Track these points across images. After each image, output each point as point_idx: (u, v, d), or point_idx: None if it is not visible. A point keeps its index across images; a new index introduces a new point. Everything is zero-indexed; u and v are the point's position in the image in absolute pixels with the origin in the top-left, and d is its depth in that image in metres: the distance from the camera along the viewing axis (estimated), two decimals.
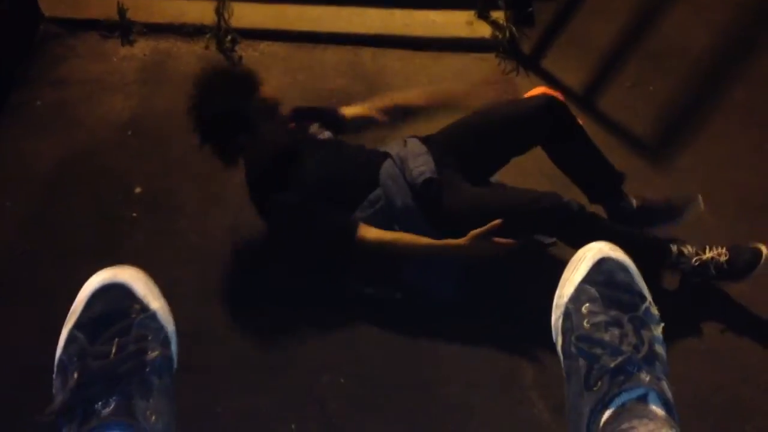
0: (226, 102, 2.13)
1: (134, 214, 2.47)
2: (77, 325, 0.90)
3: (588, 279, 0.92)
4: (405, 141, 2.26)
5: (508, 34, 2.98)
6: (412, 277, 2.20)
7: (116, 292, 0.92)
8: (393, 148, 2.25)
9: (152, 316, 0.92)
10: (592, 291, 0.91)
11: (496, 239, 2.04)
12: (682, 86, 2.80)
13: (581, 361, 0.87)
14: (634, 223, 2.23)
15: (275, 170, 2.21)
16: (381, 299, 2.22)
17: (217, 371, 2.09)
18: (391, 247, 2.10)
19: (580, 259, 0.95)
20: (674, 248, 2.14)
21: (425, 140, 2.27)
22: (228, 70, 2.09)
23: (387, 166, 2.19)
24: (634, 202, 2.26)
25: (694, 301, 2.21)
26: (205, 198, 2.54)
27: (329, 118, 2.40)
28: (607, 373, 0.84)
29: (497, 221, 2.03)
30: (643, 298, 0.92)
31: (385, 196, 2.15)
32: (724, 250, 2.14)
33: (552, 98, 2.26)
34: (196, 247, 2.39)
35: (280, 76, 2.93)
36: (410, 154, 2.19)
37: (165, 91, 2.88)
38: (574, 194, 2.20)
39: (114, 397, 0.83)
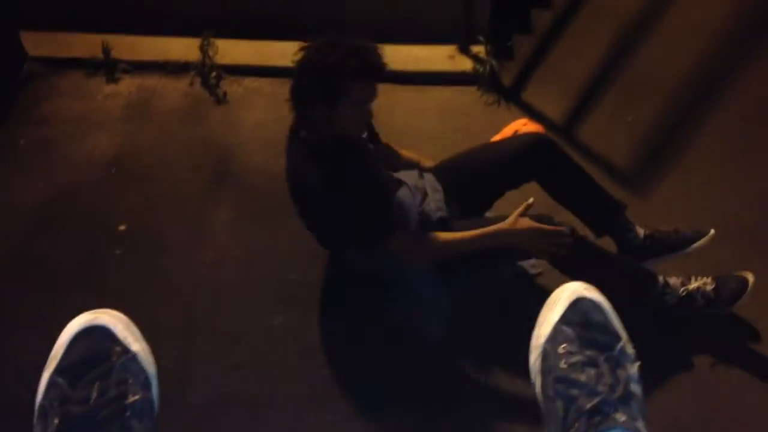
0: (338, 63, 1.94)
1: (118, 252, 2.47)
2: (58, 370, 0.90)
3: (564, 319, 0.93)
4: (421, 173, 2.27)
5: (488, 67, 3.03)
6: (400, 317, 2.21)
7: (96, 334, 0.91)
8: (408, 177, 2.23)
9: (133, 358, 0.91)
10: (569, 331, 0.92)
11: (545, 226, 2.02)
12: (659, 116, 2.85)
13: (559, 403, 0.88)
14: (642, 254, 2.23)
15: (334, 154, 2.06)
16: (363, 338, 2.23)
17: (201, 409, 2.08)
18: (432, 249, 2.05)
19: (556, 300, 0.96)
20: (660, 279, 2.15)
21: (436, 175, 2.29)
22: (365, 55, 1.95)
23: (402, 194, 2.17)
24: (642, 233, 2.25)
25: (676, 332, 2.22)
26: (189, 235, 2.54)
27: (387, 149, 2.35)
28: (583, 414, 0.85)
29: (529, 201, 2.03)
30: (619, 338, 0.93)
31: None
32: (709, 280, 2.16)
33: (540, 137, 2.28)
34: (181, 284, 2.39)
35: (265, 112, 2.96)
36: (429, 189, 2.21)
37: (150, 128, 2.90)
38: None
39: None
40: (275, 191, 2.66)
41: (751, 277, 2.15)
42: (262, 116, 2.94)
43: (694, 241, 2.23)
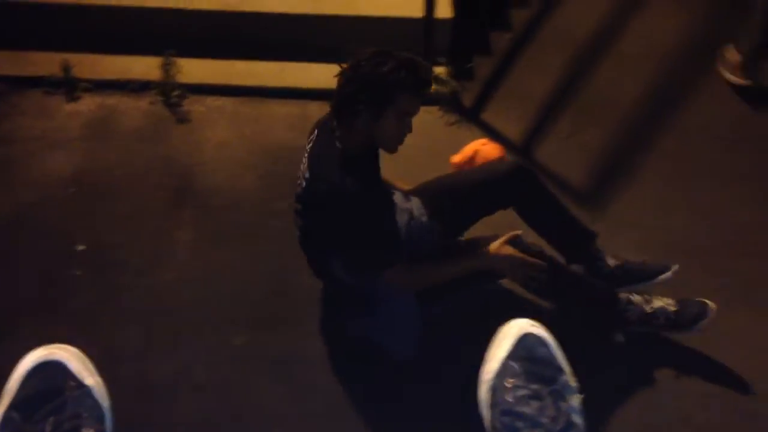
0: (390, 74, 1.95)
1: (78, 272, 2.45)
2: (12, 406, 0.90)
3: (511, 355, 0.98)
4: (407, 196, 2.31)
5: (450, 88, 3.09)
6: (373, 337, 2.23)
7: (51, 369, 0.92)
8: (396, 198, 2.26)
9: (87, 392, 0.92)
10: (515, 366, 0.97)
11: (528, 258, 2.10)
12: (614, 136, 2.94)
13: None
14: (610, 282, 2.30)
15: (366, 170, 2.09)
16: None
17: (162, 429, 2.07)
18: (422, 280, 2.11)
19: (503, 337, 1.01)
20: (623, 296, 2.22)
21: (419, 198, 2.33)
22: (417, 69, 1.98)
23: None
24: (612, 262, 2.33)
25: (634, 350, 2.28)
26: (150, 255, 2.53)
27: None
28: None
29: (516, 232, 2.12)
30: (562, 371, 0.99)
31: None
32: (672, 301, 2.24)
33: (520, 166, 2.34)
34: (141, 305, 2.38)
35: (227, 130, 2.97)
36: (416, 211, 2.26)
37: (110, 146, 2.89)
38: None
39: None
40: (237, 211, 2.68)
41: (712, 305, 2.23)
42: (224, 135, 2.95)
43: (660, 274, 2.31)
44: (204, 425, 2.10)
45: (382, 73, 1.94)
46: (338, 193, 1.97)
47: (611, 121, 2.99)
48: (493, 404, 0.96)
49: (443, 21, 3.13)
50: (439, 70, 3.16)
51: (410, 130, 2.06)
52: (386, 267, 2.04)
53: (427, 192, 2.34)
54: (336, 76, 2.03)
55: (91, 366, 0.95)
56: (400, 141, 2.08)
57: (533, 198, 2.30)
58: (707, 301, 2.24)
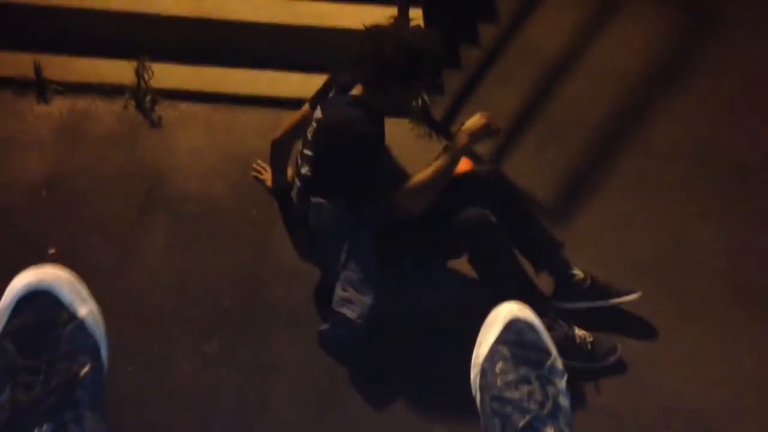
0: (435, 51, 2.24)
1: None
2: (5, 334, 0.89)
3: (500, 340, 1.03)
4: None
5: (420, 101, 3.15)
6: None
7: (43, 299, 0.91)
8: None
9: (80, 326, 0.91)
10: (504, 351, 1.02)
11: (474, 127, 2.29)
12: (578, 153, 3.03)
13: (496, 420, 0.98)
14: (578, 294, 2.40)
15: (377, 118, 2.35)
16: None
17: None
18: (417, 191, 2.29)
19: (493, 321, 1.06)
20: (551, 312, 2.30)
21: None
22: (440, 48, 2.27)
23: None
24: (580, 274, 2.41)
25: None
26: (121, 260, 2.54)
27: None
28: (517, 431, 0.95)
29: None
30: (549, 354, 1.04)
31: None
32: (589, 334, 2.33)
33: (496, 173, 2.47)
34: (112, 310, 2.36)
35: (200, 136, 2.99)
36: None
37: (81, 150, 2.88)
38: None
39: (48, 425, 0.84)
40: (209, 217, 2.70)
41: (620, 346, 2.34)
42: (197, 141, 2.97)
43: (624, 295, 2.41)
44: (172, 430, 2.12)
45: (429, 50, 2.20)
46: (355, 126, 2.24)
47: (576, 138, 3.09)
48: (483, 388, 1.01)
49: None
50: None
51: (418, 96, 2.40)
52: (388, 190, 2.27)
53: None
54: (366, 38, 2.24)
55: (83, 291, 0.94)
56: (411, 107, 2.47)
57: (505, 203, 2.39)
58: (617, 343, 2.35)
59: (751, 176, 3.00)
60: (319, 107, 2.37)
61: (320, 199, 2.31)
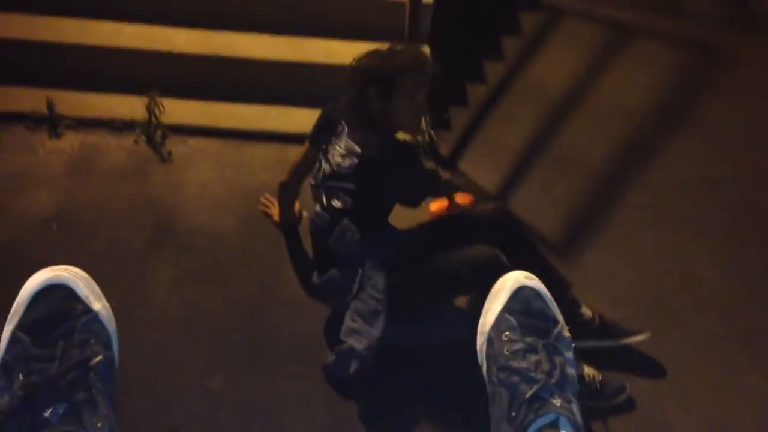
0: (387, 59, 2.32)
1: None
2: (20, 326, 0.91)
3: (507, 308, 1.02)
4: None
5: (427, 136, 3.18)
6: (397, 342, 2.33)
7: (58, 292, 0.93)
8: None
9: (95, 317, 0.94)
10: (511, 319, 1.01)
11: None
12: (584, 191, 3.05)
13: (503, 390, 0.97)
14: (587, 332, 2.39)
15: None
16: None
17: None
18: None
19: (500, 289, 1.05)
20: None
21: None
22: (407, 53, 2.34)
23: None
24: (588, 313, 2.41)
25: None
26: (128, 294, 2.55)
27: None
28: (524, 401, 0.94)
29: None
30: (556, 322, 1.02)
31: None
32: (598, 373, 2.31)
33: (503, 209, 2.51)
34: (118, 343, 2.38)
35: (209, 171, 3.02)
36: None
37: (91, 184, 2.91)
38: None
39: (61, 406, 0.86)
40: (217, 251, 2.72)
41: (628, 385, 2.32)
42: (206, 176, 3.00)
43: (632, 335, 2.41)
44: None
45: (379, 62, 2.29)
46: (397, 149, 2.37)
47: (583, 175, 3.10)
48: (489, 356, 0.99)
49: None
50: None
51: (424, 108, 2.38)
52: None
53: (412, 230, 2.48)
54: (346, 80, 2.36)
55: (97, 289, 0.97)
56: (418, 119, 2.45)
57: (511, 241, 2.38)
58: (626, 383, 2.32)
59: (758, 214, 3.00)
60: (351, 141, 2.35)
61: (349, 223, 2.34)
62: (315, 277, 2.47)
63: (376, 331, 2.24)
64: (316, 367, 2.35)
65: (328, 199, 2.38)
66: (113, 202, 2.85)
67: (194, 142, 3.13)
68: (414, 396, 2.34)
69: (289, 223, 2.79)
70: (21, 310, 0.93)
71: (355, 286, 2.29)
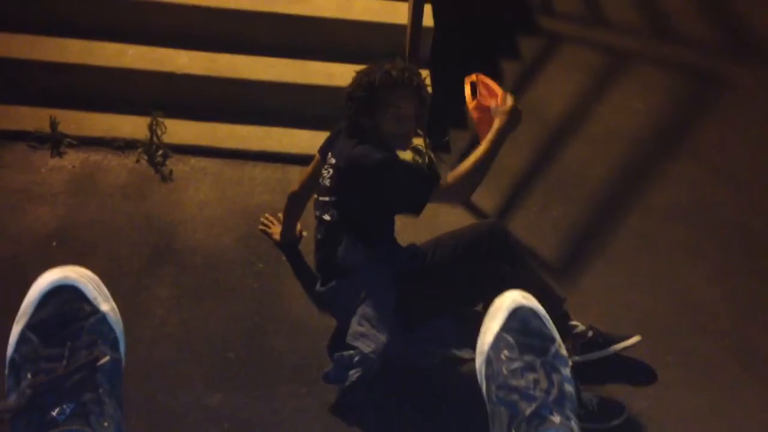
0: (363, 78, 2.40)
1: None
2: (29, 326, 0.92)
3: (505, 327, 1.04)
4: None
5: (427, 159, 3.21)
6: (398, 357, 2.33)
7: (67, 293, 0.93)
8: None
9: (102, 318, 0.94)
10: (509, 339, 1.02)
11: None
12: (582, 213, 3.07)
13: (502, 409, 0.98)
14: (581, 345, 2.42)
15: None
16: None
17: None
18: (464, 176, 2.34)
19: (497, 309, 1.07)
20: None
21: None
22: (391, 70, 2.38)
23: None
24: (580, 328, 2.44)
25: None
26: (127, 311, 2.52)
27: None
28: (524, 420, 0.95)
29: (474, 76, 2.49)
30: (553, 341, 1.04)
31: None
32: (595, 395, 2.32)
33: (496, 224, 2.53)
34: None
35: (209, 191, 3.04)
36: None
37: (93, 202, 2.93)
38: None
39: (69, 405, 0.86)
40: (216, 270, 2.73)
41: (626, 407, 2.33)
42: (206, 195, 3.02)
43: (624, 340, 2.43)
44: None
45: (368, 73, 2.37)
46: (368, 156, 2.32)
47: (580, 198, 3.13)
48: (489, 376, 1.01)
49: None
50: (418, 142, 3.28)
51: (411, 124, 2.44)
52: (437, 180, 2.37)
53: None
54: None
55: (105, 290, 0.97)
56: (406, 135, 2.45)
57: (508, 257, 2.42)
58: (624, 404, 2.34)
59: (754, 238, 3.02)
60: (330, 154, 2.45)
61: (353, 238, 2.38)
62: (318, 286, 2.49)
63: (383, 336, 2.26)
64: (314, 386, 2.35)
65: (321, 213, 2.43)
66: (114, 221, 2.87)
67: (195, 161, 3.16)
68: (414, 416, 2.34)
69: (288, 242, 2.80)
70: (30, 311, 0.93)
71: (363, 293, 2.32)
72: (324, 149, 2.58)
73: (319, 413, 2.31)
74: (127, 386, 2.39)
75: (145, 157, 3.12)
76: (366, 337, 2.27)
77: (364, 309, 2.31)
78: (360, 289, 2.34)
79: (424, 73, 3.22)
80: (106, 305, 0.96)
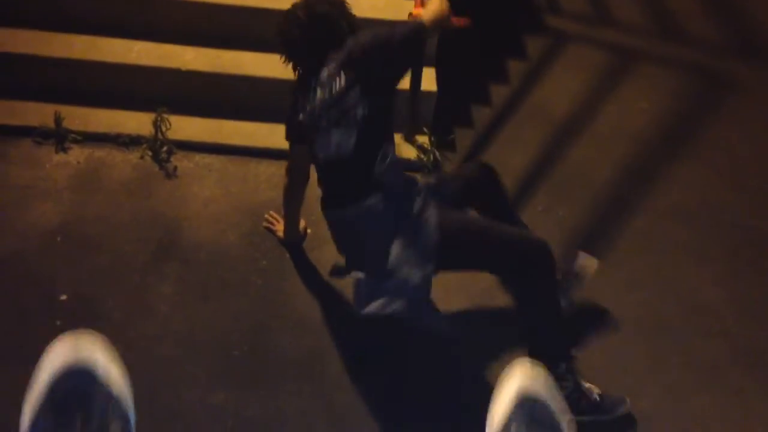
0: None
1: (58, 322, 2.46)
2: (43, 408, 0.94)
3: (513, 417, 1.05)
4: None
5: (432, 157, 3.20)
6: (411, 317, 2.25)
7: (79, 375, 0.96)
8: None
9: (114, 403, 0.98)
10: (518, 428, 1.03)
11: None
12: (587, 213, 3.06)
13: None
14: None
15: None
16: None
17: None
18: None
19: (506, 394, 1.07)
20: (563, 365, 2.27)
21: None
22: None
23: None
24: (587, 388, 2.35)
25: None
26: (131, 307, 2.55)
27: None
28: None
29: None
30: (560, 423, 1.04)
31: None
32: (597, 387, 2.31)
33: (484, 164, 2.62)
34: (121, 357, 2.38)
35: (213, 187, 3.03)
36: None
37: (97, 198, 2.93)
38: None
39: None
40: (220, 266, 2.72)
41: (628, 399, 2.32)
42: (210, 192, 3.01)
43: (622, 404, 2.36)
44: None
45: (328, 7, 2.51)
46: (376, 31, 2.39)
47: (585, 197, 3.12)
48: None
49: (428, 93, 3.26)
50: (423, 139, 3.28)
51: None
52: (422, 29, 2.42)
53: None
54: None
55: (115, 371, 1.01)
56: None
57: (496, 197, 2.55)
58: (627, 398, 2.32)
59: (761, 239, 3.01)
60: (329, 68, 2.38)
61: (387, 152, 2.29)
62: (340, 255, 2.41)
63: (429, 268, 2.16)
64: (318, 384, 2.35)
65: (343, 121, 2.30)
66: (118, 217, 2.87)
67: (200, 158, 3.15)
68: (417, 413, 2.34)
69: (293, 240, 2.80)
70: (43, 392, 0.96)
71: (408, 221, 2.21)
72: (292, 129, 2.59)
73: (323, 411, 2.31)
74: (130, 383, 2.39)
75: (150, 153, 3.11)
76: (410, 264, 2.15)
77: (409, 236, 2.18)
78: (403, 216, 2.22)
79: (431, 72, 3.22)
80: (117, 387, 1.00)
